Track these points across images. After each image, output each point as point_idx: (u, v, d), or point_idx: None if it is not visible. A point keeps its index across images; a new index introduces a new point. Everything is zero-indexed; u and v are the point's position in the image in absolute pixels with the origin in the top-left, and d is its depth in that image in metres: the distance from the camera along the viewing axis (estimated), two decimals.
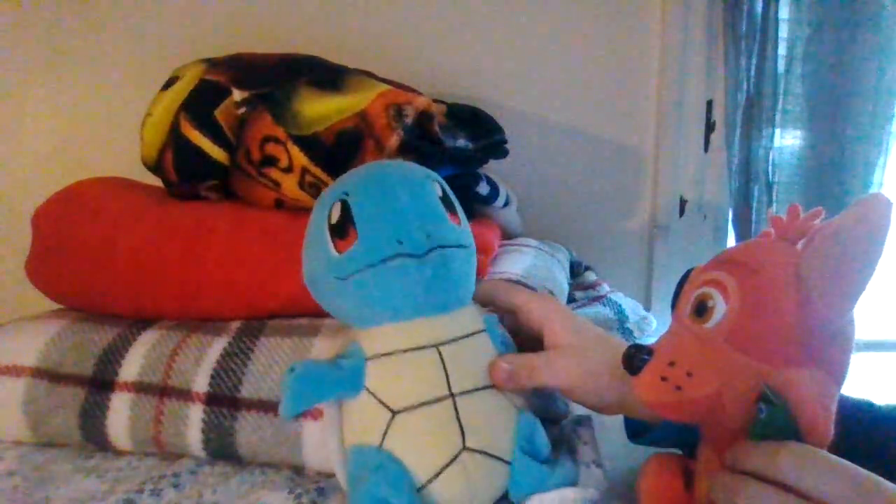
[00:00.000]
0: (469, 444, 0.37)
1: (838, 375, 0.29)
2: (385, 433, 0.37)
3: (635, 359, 0.32)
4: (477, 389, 0.39)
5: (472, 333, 0.41)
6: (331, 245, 0.38)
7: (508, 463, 0.38)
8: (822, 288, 0.28)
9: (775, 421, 0.28)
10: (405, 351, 0.38)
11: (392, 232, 0.37)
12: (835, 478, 0.25)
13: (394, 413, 0.37)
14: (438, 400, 0.37)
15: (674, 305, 0.35)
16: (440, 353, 0.38)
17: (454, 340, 0.39)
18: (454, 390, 0.38)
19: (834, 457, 0.26)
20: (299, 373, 0.37)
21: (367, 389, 0.38)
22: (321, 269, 0.39)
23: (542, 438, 0.40)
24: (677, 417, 0.32)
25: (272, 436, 0.44)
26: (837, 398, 0.29)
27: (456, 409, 0.38)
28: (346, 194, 0.39)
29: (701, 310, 0.31)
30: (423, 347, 0.38)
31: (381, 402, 0.37)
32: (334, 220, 0.38)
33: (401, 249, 0.37)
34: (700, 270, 0.33)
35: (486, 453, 0.38)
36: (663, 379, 0.31)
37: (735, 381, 0.29)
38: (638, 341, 0.73)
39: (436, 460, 0.36)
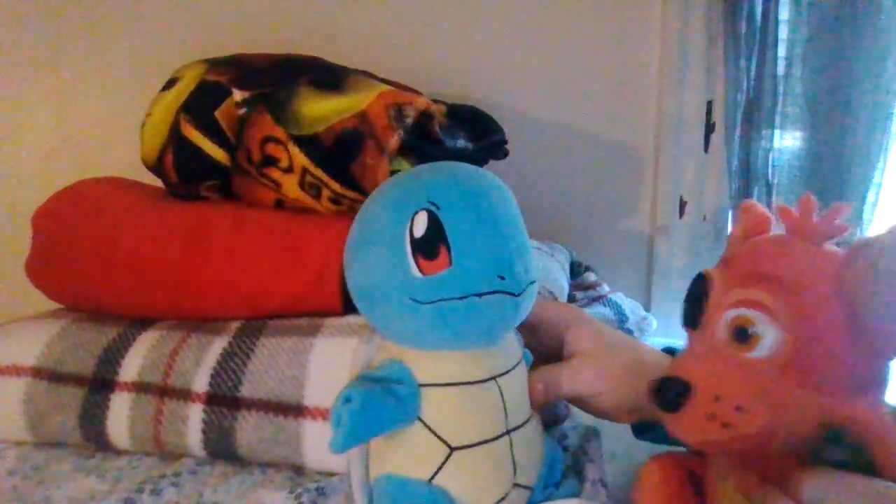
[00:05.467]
0: (518, 480, 0.36)
1: (884, 388, 0.28)
2: (439, 469, 0.34)
3: (672, 393, 0.29)
4: (526, 423, 0.37)
5: (519, 362, 0.38)
6: (412, 262, 0.32)
7: (531, 488, 0.37)
8: (878, 311, 0.25)
9: (850, 458, 0.26)
10: (468, 384, 0.35)
11: (494, 266, 0.33)
12: (859, 497, 0.25)
13: (452, 449, 0.34)
14: (497, 437, 0.35)
15: (689, 318, 0.32)
16: (499, 387, 0.36)
17: (508, 372, 0.37)
18: (510, 426, 0.36)
19: (858, 476, 0.26)
20: (357, 406, 0.32)
21: (422, 420, 0.34)
22: (391, 285, 0.33)
23: (559, 462, 0.40)
24: (723, 451, 0.29)
25: (272, 435, 0.44)
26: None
27: (511, 445, 0.36)
28: (435, 205, 0.33)
29: (741, 336, 0.28)
30: (485, 380, 0.35)
31: (437, 436, 0.34)
32: (419, 233, 0.32)
33: (502, 286, 0.33)
34: (726, 285, 0.29)
35: (527, 487, 0.37)
36: (709, 416, 0.28)
37: (791, 414, 0.27)
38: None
39: (489, 499, 0.35)
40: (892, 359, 0.27)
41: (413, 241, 0.32)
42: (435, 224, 0.32)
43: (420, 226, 0.32)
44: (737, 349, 0.28)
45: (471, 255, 0.32)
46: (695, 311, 0.31)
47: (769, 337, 0.27)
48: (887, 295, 0.25)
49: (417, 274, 0.32)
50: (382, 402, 0.33)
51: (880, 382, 0.27)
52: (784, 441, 0.27)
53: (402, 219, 0.33)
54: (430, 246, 0.32)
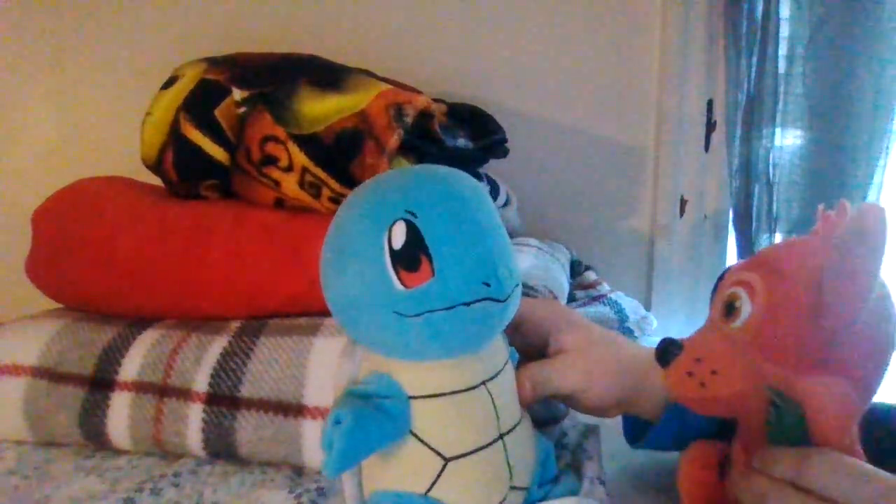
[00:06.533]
0: (514, 483, 0.36)
1: (865, 385, 0.29)
2: (435, 481, 0.33)
3: (668, 352, 0.33)
4: (517, 425, 0.37)
5: (506, 363, 0.38)
6: (392, 275, 0.31)
7: (527, 489, 0.37)
8: (833, 294, 0.28)
9: (783, 424, 0.28)
10: (458, 392, 0.34)
11: (479, 273, 0.32)
12: (863, 485, 0.25)
13: (446, 460, 0.33)
14: (491, 443, 0.35)
15: (712, 304, 0.35)
16: (489, 392, 0.35)
17: (496, 375, 0.36)
18: (503, 430, 0.35)
19: (863, 463, 0.26)
20: (348, 427, 0.31)
21: (414, 434, 0.34)
22: (373, 299, 0.32)
23: (553, 459, 0.40)
24: (703, 412, 0.33)
25: (272, 435, 0.44)
26: (864, 408, 0.29)
27: (505, 449, 0.35)
28: (412, 214, 0.31)
29: (729, 309, 0.31)
30: (475, 387, 0.35)
31: (431, 448, 0.33)
32: (398, 244, 0.31)
33: (487, 293, 0.32)
34: (734, 270, 0.33)
35: (523, 488, 0.37)
36: (689, 374, 0.32)
37: (758, 384, 0.30)
38: (638, 340, 0.73)
39: None
40: (845, 340, 0.28)
41: (392, 253, 0.31)
42: (414, 234, 0.31)
43: (398, 237, 0.31)
44: (724, 321, 0.32)
45: (454, 263, 0.31)
46: (713, 296, 0.35)
47: (745, 310, 0.30)
48: (837, 272, 0.27)
49: (399, 287, 0.31)
50: (373, 420, 0.32)
51: (842, 366, 0.28)
52: (755, 415, 0.30)
53: (378, 230, 0.31)
54: (411, 257, 0.31)
